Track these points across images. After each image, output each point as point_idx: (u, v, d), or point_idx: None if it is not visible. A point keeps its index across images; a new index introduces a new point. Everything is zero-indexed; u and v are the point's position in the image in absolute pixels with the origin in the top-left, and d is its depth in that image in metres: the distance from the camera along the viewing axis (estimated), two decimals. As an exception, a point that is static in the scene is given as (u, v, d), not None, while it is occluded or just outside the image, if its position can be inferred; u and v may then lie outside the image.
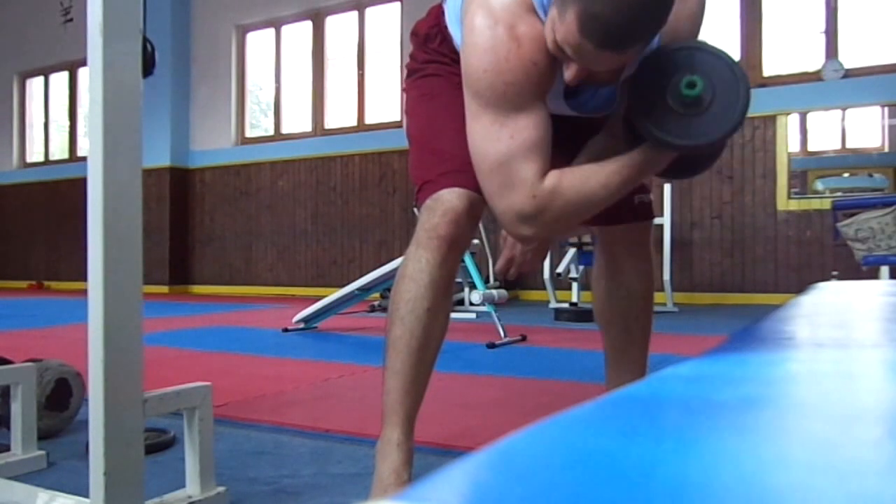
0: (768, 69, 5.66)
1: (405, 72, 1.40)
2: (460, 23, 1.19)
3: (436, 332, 1.27)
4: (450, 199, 1.20)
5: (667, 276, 5.18)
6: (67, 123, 9.38)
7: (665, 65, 1.08)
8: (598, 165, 1.12)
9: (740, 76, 1.08)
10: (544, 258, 1.31)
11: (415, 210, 1.35)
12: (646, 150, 1.10)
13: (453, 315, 4.92)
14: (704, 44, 1.10)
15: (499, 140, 1.09)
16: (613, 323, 1.45)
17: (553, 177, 1.10)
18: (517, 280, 6.00)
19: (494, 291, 3.69)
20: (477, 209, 1.22)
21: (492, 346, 3.16)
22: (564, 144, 1.34)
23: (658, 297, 5.34)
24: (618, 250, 1.41)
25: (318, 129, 7.59)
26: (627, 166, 1.10)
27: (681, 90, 1.05)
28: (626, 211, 1.37)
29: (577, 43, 0.99)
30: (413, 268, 1.24)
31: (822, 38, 5.48)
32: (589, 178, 1.11)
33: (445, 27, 1.28)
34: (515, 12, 1.06)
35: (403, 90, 1.41)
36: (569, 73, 1.06)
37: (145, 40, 1.08)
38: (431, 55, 1.32)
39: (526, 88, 1.08)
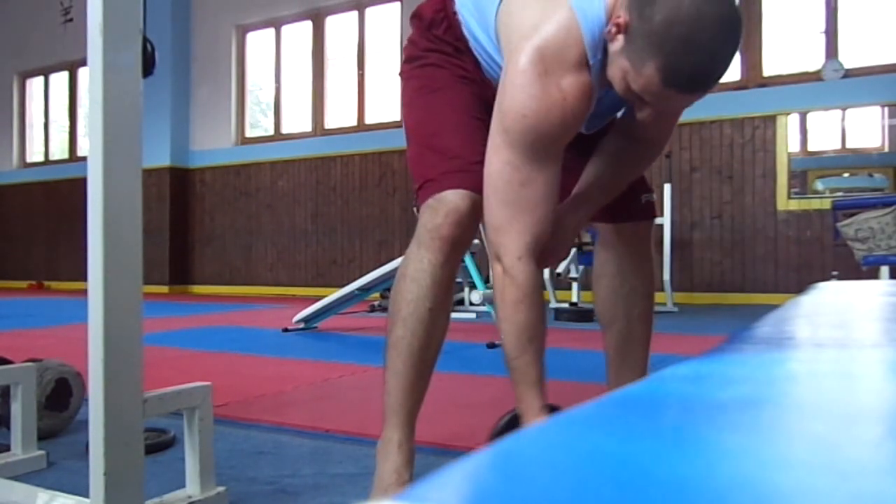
0: (768, 69, 5.66)
1: (403, 56, 1.36)
2: (485, 27, 1.19)
3: (437, 333, 1.26)
4: (453, 199, 1.19)
5: (667, 276, 5.17)
6: (67, 123, 9.38)
7: None
8: (529, 340, 1.12)
9: None
10: (561, 261, 1.32)
11: (415, 209, 1.34)
12: (534, 407, 1.12)
13: (453, 315, 4.93)
14: None
15: (510, 183, 1.10)
16: (615, 321, 1.45)
17: (531, 277, 1.11)
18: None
19: (494, 291, 3.68)
20: (479, 210, 1.21)
21: (492, 346, 3.16)
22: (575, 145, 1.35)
23: (658, 297, 5.34)
24: (621, 248, 1.42)
25: (318, 129, 7.59)
26: (519, 382, 1.13)
27: None
28: (633, 209, 1.39)
29: (659, 92, 1.00)
30: (415, 268, 1.24)
31: (822, 38, 5.48)
32: (517, 328, 1.12)
33: (453, 13, 1.25)
34: (566, 62, 1.05)
35: (400, 75, 1.38)
36: (642, 114, 1.07)
37: (145, 40, 1.08)
38: (434, 43, 1.29)
39: (557, 141, 1.09)
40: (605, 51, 1.06)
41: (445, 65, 1.27)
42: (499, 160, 1.10)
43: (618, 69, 1.03)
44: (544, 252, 1.22)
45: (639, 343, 1.45)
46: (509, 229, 1.11)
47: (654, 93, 1.01)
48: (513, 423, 1.25)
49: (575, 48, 1.05)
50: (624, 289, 1.42)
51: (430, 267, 1.22)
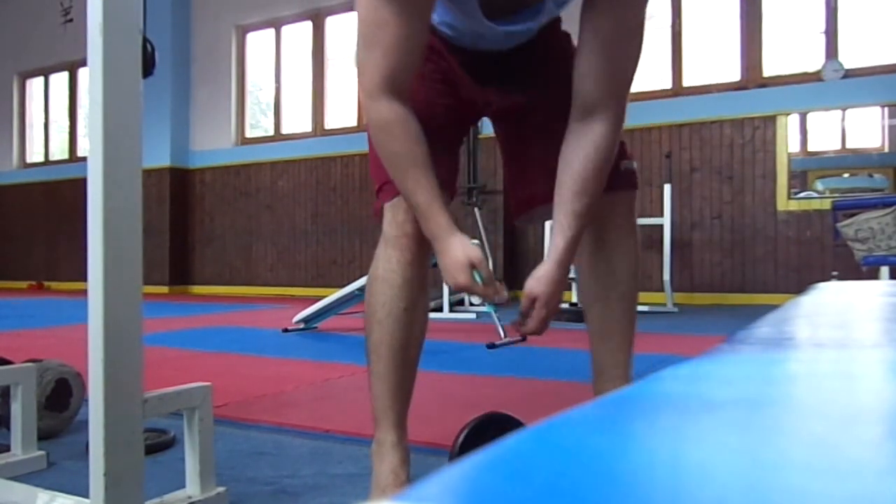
0: (768, 69, 5.66)
1: None
2: None
3: (416, 331, 1.26)
4: None
5: (667, 276, 5.17)
6: (67, 123, 9.38)
7: None
8: (403, 168, 1.11)
9: None
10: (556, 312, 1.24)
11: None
12: (442, 227, 1.11)
13: (453, 315, 4.91)
14: None
15: (368, 24, 1.08)
16: (594, 302, 1.35)
17: (391, 110, 1.09)
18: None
19: (494, 291, 3.68)
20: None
21: (492, 346, 3.16)
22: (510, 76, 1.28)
23: (658, 297, 5.35)
24: (598, 222, 1.30)
25: (318, 129, 7.59)
26: (418, 212, 1.12)
27: None
28: (611, 177, 1.23)
29: None
30: (384, 268, 1.23)
31: (822, 38, 5.48)
32: (386, 158, 1.12)
33: None
34: None
35: None
36: None
37: (145, 40, 1.08)
38: None
39: None
40: None
41: None
42: (363, 4, 1.08)
43: None
44: (544, 308, 1.16)
45: (620, 326, 1.33)
46: (365, 70, 1.10)
47: None
48: (471, 439, 1.25)
49: None
50: (601, 267, 1.32)
51: (399, 266, 1.22)
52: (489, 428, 1.28)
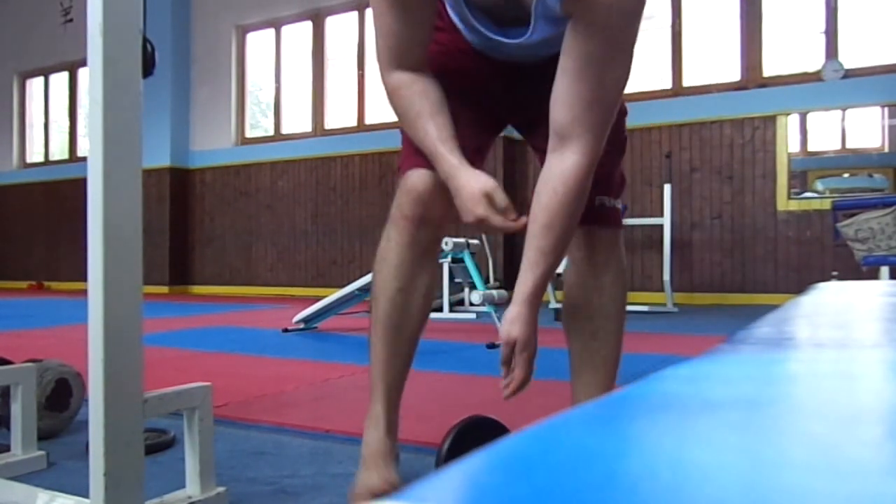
0: (768, 69, 5.66)
1: None
2: None
3: (412, 310, 1.26)
4: (412, 178, 1.20)
5: (667, 276, 5.17)
6: (67, 123, 9.38)
7: None
8: (415, 117, 1.14)
9: None
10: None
11: None
12: (447, 162, 1.12)
13: (453, 315, 4.90)
14: None
15: (374, 15, 1.14)
16: (570, 336, 1.35)
17: (397, 78, 1.15)
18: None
19: (494, 291, 3.69)
20: (444, 189, 1.14)
21: (492, 346, 3.16)
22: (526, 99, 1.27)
23: (658, 297, 5.35)
24: (577, 255, 1.29)
25: (318, 129, 7.59)
26: (431, 155, 1.12)
27: None
28: (588, 213, 1.16)
29: None
30: (384, 247, 1.26)
31: (822, 38, 5.48)
32: (400, 115, 1.16)
33: None
34: None
35: None
36: None
37: (145, 40, 1.08)
38: None
39: None
40: None
41: None
42: None
43: None
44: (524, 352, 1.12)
45: (594, 365, 1.31)
46: (376, 46, 1.17)
47: None
48: (456, 445, 1.25)
49: None
50: (578, 301, 1.31)
51: (396, 246, 1.24)
52: (473, 432, 1.28)
